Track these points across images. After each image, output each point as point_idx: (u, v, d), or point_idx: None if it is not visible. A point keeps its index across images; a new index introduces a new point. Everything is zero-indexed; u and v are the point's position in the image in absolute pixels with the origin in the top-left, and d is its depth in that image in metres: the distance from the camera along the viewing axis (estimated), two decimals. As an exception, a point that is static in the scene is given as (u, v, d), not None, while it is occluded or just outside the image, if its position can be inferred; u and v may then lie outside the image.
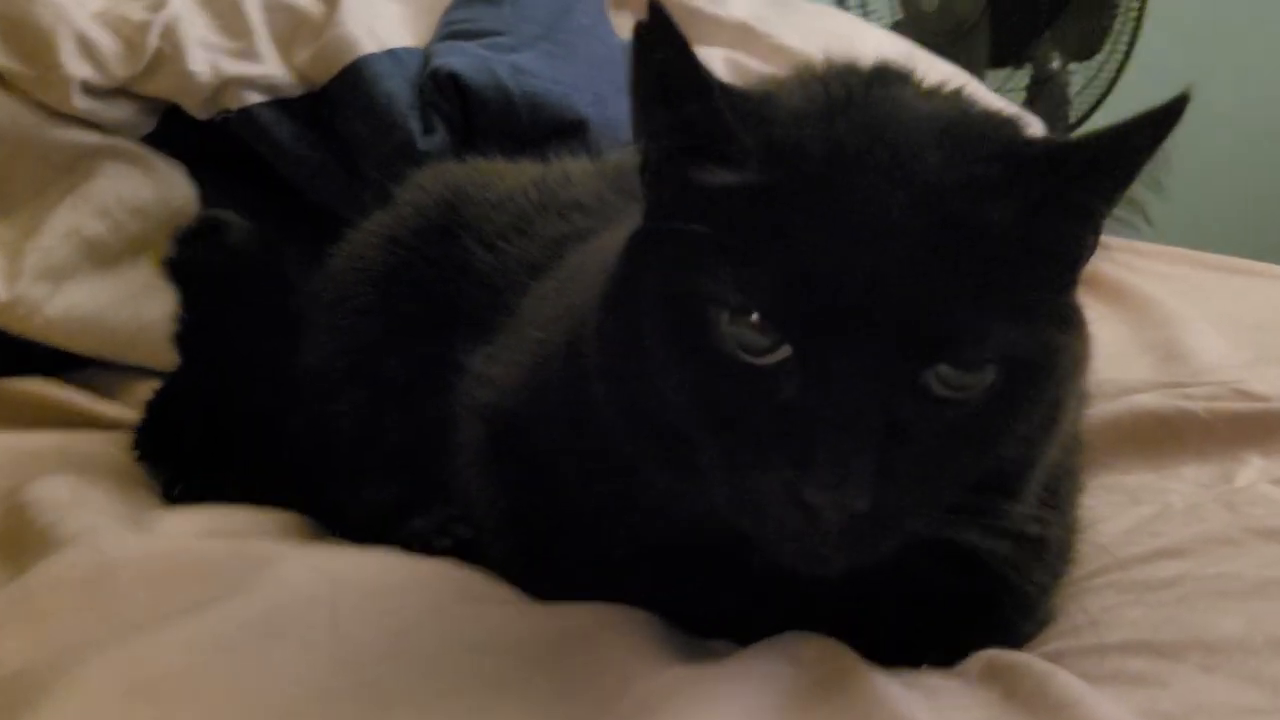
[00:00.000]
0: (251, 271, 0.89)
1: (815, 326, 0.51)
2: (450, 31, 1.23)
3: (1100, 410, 0.99)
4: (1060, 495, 0.66)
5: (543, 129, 1.17)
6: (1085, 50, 2.54)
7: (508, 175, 0.89)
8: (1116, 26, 2.47)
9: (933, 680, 0.59)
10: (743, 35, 1.45)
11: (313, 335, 0.86)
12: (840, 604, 0.59)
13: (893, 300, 0.50)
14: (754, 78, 1.39)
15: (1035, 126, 1.84)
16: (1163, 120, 0.53)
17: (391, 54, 1.16)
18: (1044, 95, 2.61)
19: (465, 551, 0.71)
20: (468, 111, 1.16)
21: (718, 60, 1.37)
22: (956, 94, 0.59)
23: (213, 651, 0.50)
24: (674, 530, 0.60)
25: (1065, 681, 0.56)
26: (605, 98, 1.21)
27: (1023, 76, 2.61)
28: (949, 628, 0.62)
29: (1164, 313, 1.45)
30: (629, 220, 0.62)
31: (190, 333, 0.90)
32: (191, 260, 0.89)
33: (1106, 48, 2.53)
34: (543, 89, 1.17)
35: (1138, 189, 0.55)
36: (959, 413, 0.52)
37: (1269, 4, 2.61)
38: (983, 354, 0.51)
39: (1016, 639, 0.65)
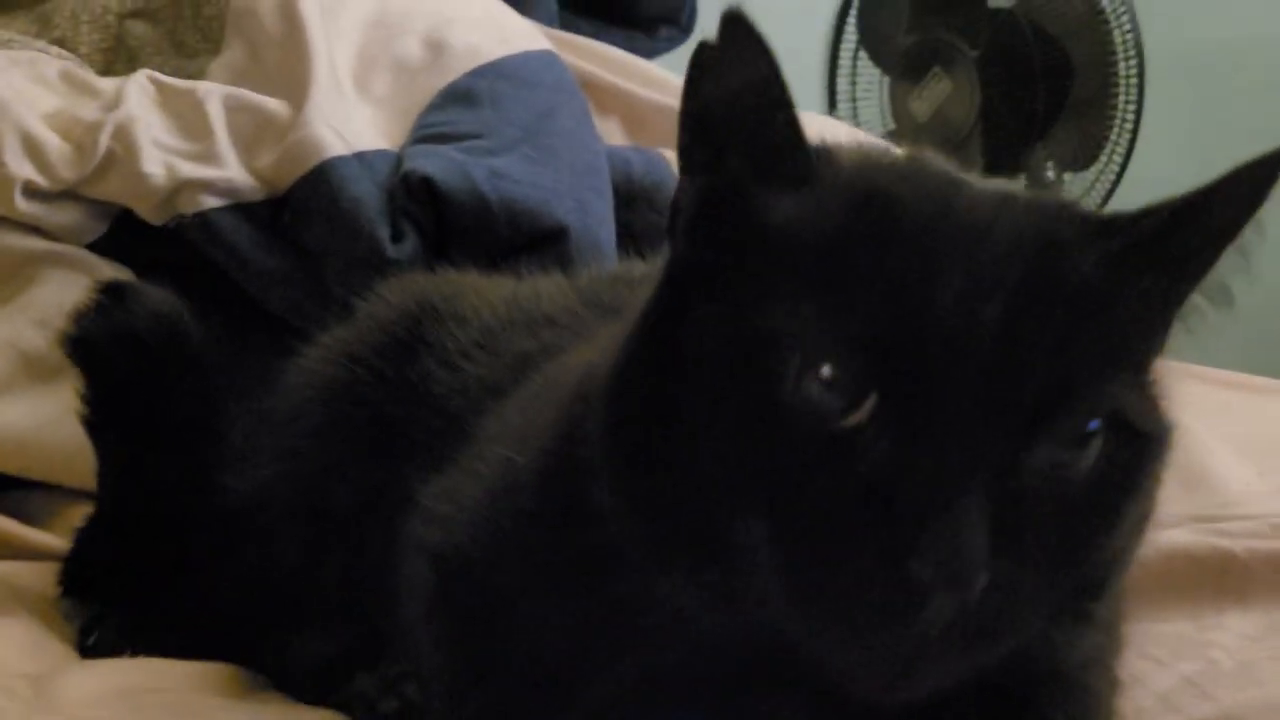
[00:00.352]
0: (162, 344, 0.82)
1: (916, 372, 0.44)
2: (426, 134, 1.17)
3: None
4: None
5: (521, 237, 1.10)
6: (1081, 160, 2.51)
7: (479, 289, 0.82)
8: (1112, 136, 2.45)
9: None
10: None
11: (255, 459, 0.78)
12: None
13: (1016, 353, 0.45)
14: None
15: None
16: (1260, 175, 0.49)
17: (360, 157, 1.09)
18: (1041, 203, 2.58)
19: (415, 715, 0.62)
20: (441, 218, 1.09)
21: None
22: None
23: None
24: (691, 664, 0.50)
25: None
26: (587, 204, 1.15)
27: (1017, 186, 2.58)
28: None
29: (1185, 435, 1.37)
30: (605, 335, 0.55)
31: (98, 418, 0.83)
32: (92, 334, 0.80)
33: (1103, 158, 2.51)
34: (522, 195, 1.10)
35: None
36: (1068, 489, 0.46)
37: (1266, 112, 2.60)
38: (1093, 414, 0.46)
39: None
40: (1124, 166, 2.48)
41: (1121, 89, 2.40)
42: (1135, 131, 2.46)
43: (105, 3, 1.30)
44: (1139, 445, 0.49)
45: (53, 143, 1.02)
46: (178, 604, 0.79)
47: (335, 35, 1.22)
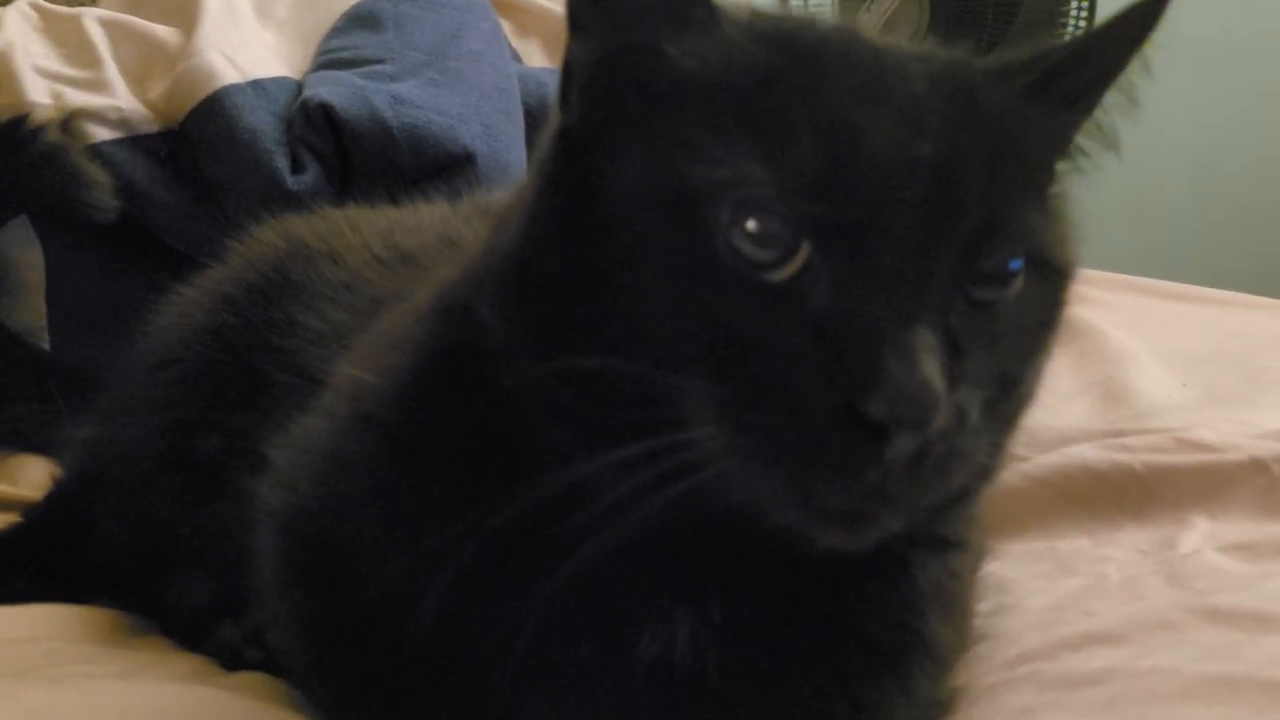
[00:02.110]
0: None
1: (862, 221, 0.43)
2: (327, 60, 1.14)
3: (1032, 464, 0.90)
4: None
5: (426, 164, 1.08)
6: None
7: (357, 224, 0.79)
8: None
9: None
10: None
11: (127, 404, 0.76)
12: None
13: (950, 192, 0.44)
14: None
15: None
16: (1143, 16, 0.50)
17: (256, 85, 1.06)
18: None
19: (278, 665, 0.61)
20: (343, 147, 1.06)
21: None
22: None
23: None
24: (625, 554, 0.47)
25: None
26: (495, 128, 1.12)
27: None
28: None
29: (1108, 347, 1.36)
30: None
31: None
32: None
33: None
34: (425, 120, 1.08)
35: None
36: (996, 325, 0.47)
37: (1214, 25, 2.57)
38: (1017, 247, 0.47)
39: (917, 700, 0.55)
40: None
41: (1072, 9, 2.36)
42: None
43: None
44: (1053, 279, 0.49)
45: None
46: (61, 552, 0.78)
47: (233, -44, 1.17)
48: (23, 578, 0.78)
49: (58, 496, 0.82)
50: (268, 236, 0.79)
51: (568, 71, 0.49)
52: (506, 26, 1.37)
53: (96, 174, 0.94)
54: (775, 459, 0.43)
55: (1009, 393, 0.48)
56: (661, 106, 0.46)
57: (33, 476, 0.94)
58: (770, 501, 0.44)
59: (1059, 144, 0.52)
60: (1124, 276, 1.84)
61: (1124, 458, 0.87)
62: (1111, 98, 0.53)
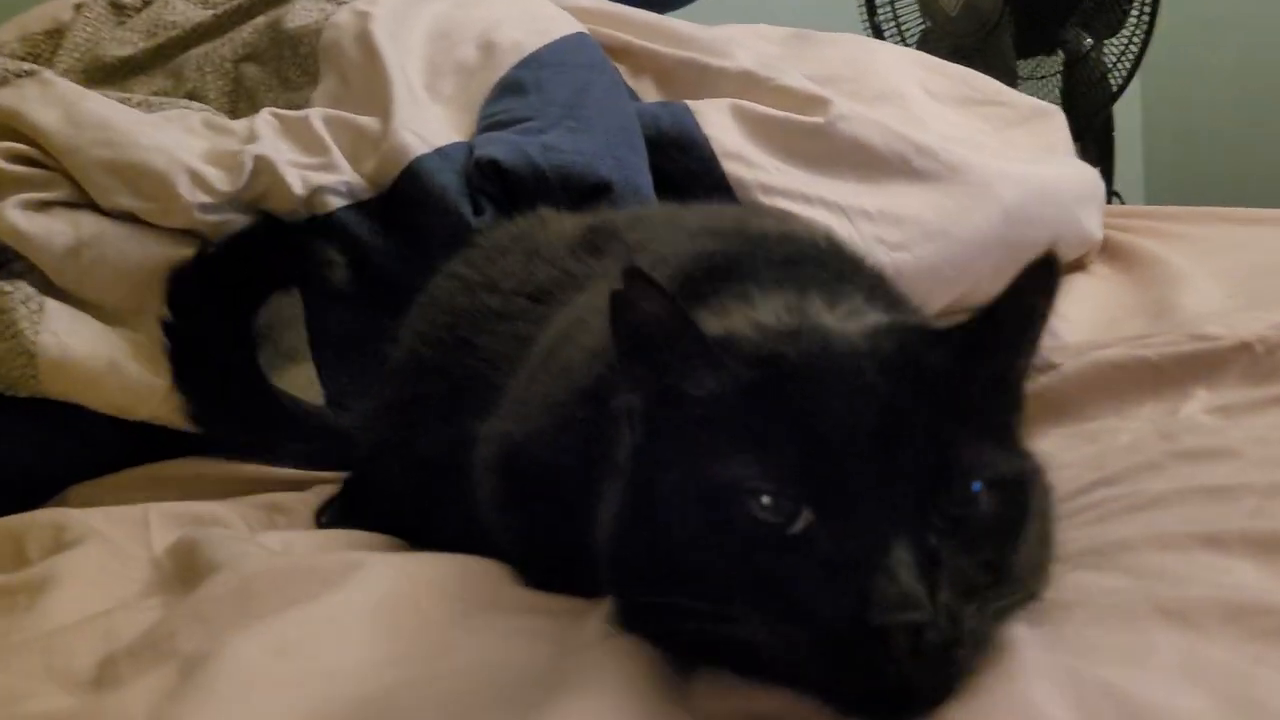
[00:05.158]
0: None
1: (835, 488, 0.59)
2: (488, 124, 1.44)
3: (1067, 367, 1.13)
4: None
5: (573, 195, 1.36)
6: (1112, 25, 2.63)
7: (510, 248, 1.07)
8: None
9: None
10: (747, 83, 1.63)
11: (378, 411, 1.06)
12: None
13: (895, 450, 0.59)
14: (761, 120, 1.57)
15: (1061, 119, 1.97)
16: (1038, 271, 0.63)
17: (440, 152, 1.37)
18: (1080, 75, 2.71)
19: None
20: (509, 190, 1.36)
21: (724, 108, 1.55)
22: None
23: (325, 626, 0.70)
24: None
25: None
26: (624, 160, 1.41)
27: (1054, 63, 2.72)
28: None
29: (1169, 273, 1.56)
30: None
31: None
32: None
33: (1133, 17, 2.62)
34: (569, 161, 1.37)
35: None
36: (974, 529, 0.60)
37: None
38: (971, 477, 0.60)
39: None
40: (1153, 20, 2.58)
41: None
42: (1158, -9, 2.57)
43: (222, 53, 1.61)
44: (1015, 488, 0.63)
45: (210, 171, 1.31)
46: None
47: (405, 52, 1.50)
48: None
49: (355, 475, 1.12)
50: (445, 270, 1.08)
51: (629, 412, 0.66)
52: (622, 69, 1.66)
53: (334, 255, 1.24)
54: (812, 660, 0.57)
55: (999, 573, 0.61)
56: (687, 428, 0.63)
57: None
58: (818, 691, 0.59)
59: (1005, 383, 0.65)
60: (1205, 209, 2.01)
61: (1142, 352, 1.10)
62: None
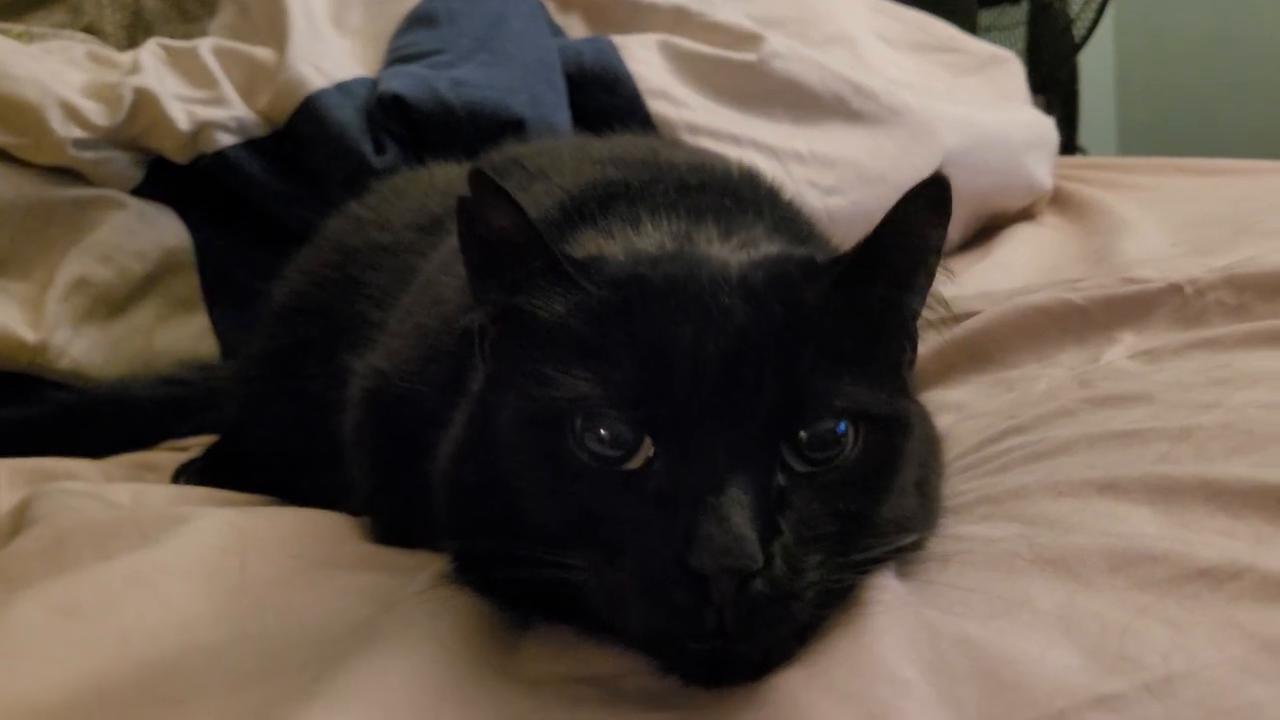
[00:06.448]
0: None
1: (677, 414, 0.53)
2: (396, 57, 1.36)
3: (989, 312, 1.07)
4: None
5: (484, 132, 1.28)
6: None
7: (406, 190, 1.00)
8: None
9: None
10: (678, 19, 1.55)
11: (260, 351, 0.99)
12: None
13: (742, 378, 0.54)
14: (690, 56, 1.49)
15: (1018, 66, 1.90)
16: (923, 197, 0.57)
17: (340, 86, 1.29)
18: (1044, 25, 2.64)
19: None
20: (415, 128, 1.28)
21: (652, 45, 1.47)
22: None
23: (127, 585, 0.63)
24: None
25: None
26: (540, 96, 1.33)
27: (1018, 12, 2.65)
28: None
29: (1115, 222, 1.50)
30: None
31: None
32: None
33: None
34: (480, 96, 1.29)
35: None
36: (839, 474, 0.55)
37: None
38: (829, 418, 0.55)
39: None
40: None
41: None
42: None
43: (123, -15, 1.52)
44: (885, 432, 0.57)
45: (86, 105, 1.23)
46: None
47: (311, -18, 1.41)
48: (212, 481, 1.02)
49: (227, 431, 1.06)
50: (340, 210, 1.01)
51: (481, 333, 0.62)
52: (550, 5, 1.58)
53: None
54: (644, 610, 0.52)
55: (858, 525, 0.56)
56: (532, 350, 0.57)
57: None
58: (643, 646, 0.55)
59: (888, 320, 0.59)
60: (1161, 159, 1.95)
61: (1069, 295, 1.04)
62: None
